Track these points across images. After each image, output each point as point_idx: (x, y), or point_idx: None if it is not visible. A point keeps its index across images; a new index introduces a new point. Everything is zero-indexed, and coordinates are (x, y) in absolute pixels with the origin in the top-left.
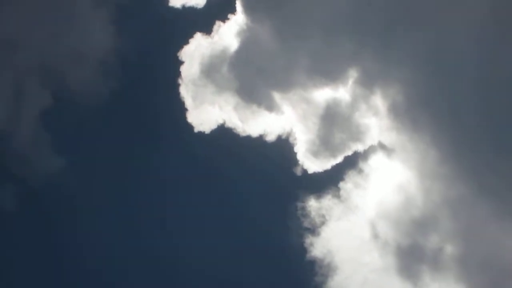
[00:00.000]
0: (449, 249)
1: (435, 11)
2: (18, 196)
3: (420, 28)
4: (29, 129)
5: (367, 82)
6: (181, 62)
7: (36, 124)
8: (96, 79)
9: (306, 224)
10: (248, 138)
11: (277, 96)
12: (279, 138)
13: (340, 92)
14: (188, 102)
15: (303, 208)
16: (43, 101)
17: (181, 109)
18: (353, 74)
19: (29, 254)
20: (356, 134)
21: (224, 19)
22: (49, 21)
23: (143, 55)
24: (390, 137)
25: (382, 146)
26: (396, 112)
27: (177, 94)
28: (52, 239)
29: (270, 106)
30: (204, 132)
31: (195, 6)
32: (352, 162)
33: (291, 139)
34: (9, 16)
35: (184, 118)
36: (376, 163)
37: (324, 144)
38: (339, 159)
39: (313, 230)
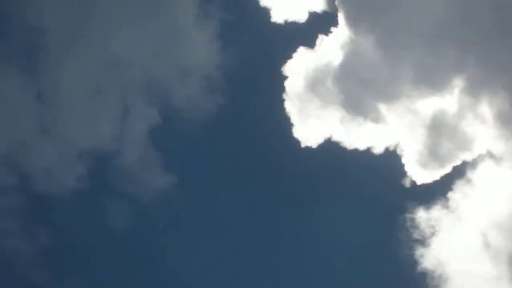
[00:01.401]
0: None
1: None
2: (129, 214)
3: None
4: (137, 147)
5: (473, 90)
6: (285, 77)
7: (144, 142)
8: (202, 95)
9: (416, 235)
10: (355, 151)
11: (382, 108)
12: (387, 150)
13: (446, 101)
14: (294, 117)
15: (413, 220)
16: (150, 119)
17: (287, 124)
18: (458, 83)
19: (140, 272)
20: (464, 143)
21: (326, 32)
22: (153, 38)
23: (247, 71)
24: (498, 145)
25: (490, 155)
26: (504, 119)
27: (282, 109)
28: (163, 257)
29: (376, 118)
30: (311, 146)
31: (297, 20)
32: (460, 172)
33: (398, 151)
34: (113, 35)
35: (291, 133)
36: (485, 172)
37: (432, 155)
38: (448, 169)
39: (423, 242)
